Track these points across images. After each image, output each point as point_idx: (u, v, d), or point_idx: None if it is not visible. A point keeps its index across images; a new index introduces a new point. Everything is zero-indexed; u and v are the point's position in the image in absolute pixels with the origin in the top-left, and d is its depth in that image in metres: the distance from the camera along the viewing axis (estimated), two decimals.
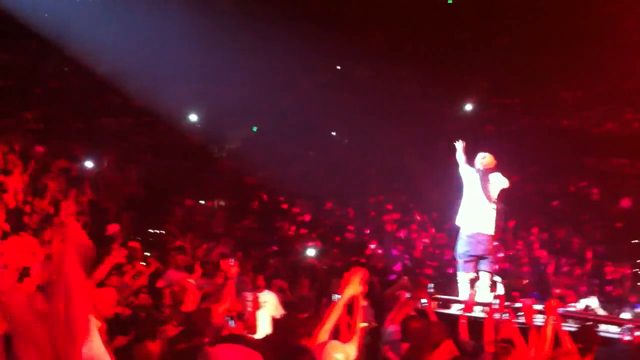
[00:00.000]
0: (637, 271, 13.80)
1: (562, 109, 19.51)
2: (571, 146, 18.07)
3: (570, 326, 6.48)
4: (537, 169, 17.14)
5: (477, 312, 7.52)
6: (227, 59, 18.56)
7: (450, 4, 19.58)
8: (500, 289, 8.13)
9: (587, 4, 17.47)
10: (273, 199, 16.28)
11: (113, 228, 10.73)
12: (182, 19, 16.51)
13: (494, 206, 8.06)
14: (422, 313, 7.02)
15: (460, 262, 8.22)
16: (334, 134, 20.30)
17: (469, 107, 20.01)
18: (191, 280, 7.35)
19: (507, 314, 6.09)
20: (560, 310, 7.47)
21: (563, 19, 18.00)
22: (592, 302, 9.50)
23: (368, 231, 14.77)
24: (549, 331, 5.15)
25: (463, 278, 8.18)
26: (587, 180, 16.90)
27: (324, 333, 4.01)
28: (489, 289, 8.00)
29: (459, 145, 8.38)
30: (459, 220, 8.25)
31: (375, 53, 19.73)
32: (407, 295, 7.56)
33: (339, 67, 20.08)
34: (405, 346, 5.07)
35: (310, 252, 11.90)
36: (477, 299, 7.90)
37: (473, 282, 8.23)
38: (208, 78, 18.50)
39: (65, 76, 17.77)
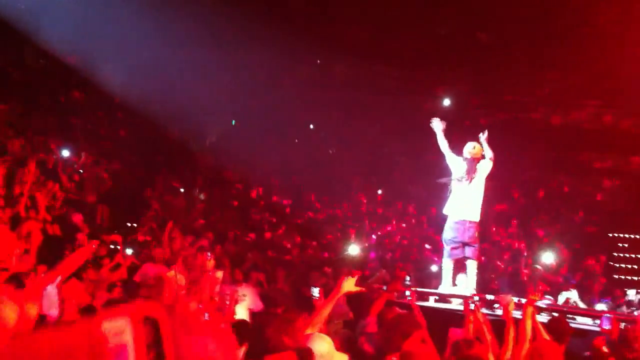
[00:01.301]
0: (612, 264, 14.02)
1: (536, 104, 19.72)
2: (547, 140, 18.27)
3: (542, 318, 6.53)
4: (515, 162, 17.27)
5: (456, 305, 7.60)
6: (207, 54, 18.51)
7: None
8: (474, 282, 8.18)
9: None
10: (251, 192, 16.25)
11: (77, 218, 10.65)
12: (162, 13, 16.42)
13: (481, 194, 8.17)
14: (405, 306, 7.06)
15: (447, 248, 8.31)
16: (312, 127, 20.27)
17: (447, 102, 20.10)
18: (170, 274, 7.30)
19: (483, 308, 6.10)
20: (542, 303, 7.58)
21: (541, 16, 18.19)
22: (572, 294, 9.61)
23: (349, 223, 14.83)
24: (529, 325, 5.17)
25: (448, 264, 8.26)
26: (562, 174, 17.10)
27: (314, 326, 4.04)
28: (473, 277, 8.08)
29: (438, 126, 8.40)
30: (446, 208, 8.33)
31: (356, 48, 19.77)
32: (384, 287, 7.62)
33: (318, 61, 20.07)
34: (378, 338, 5.10)
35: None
36: (459, 290, 7.98)
37: (458, 268, 8.31)
38: (186, 72, 18.43)
39: (41, 69, 17.59)
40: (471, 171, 8.06)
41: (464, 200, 8.12)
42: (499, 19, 18.91)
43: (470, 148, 8.14)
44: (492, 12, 18.88)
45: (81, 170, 13.42)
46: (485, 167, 8.15)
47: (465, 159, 8.12)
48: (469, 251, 8.10)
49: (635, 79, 15.97)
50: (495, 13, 18.92)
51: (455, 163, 8.24)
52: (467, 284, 7.99)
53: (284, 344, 3.88)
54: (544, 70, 19.39)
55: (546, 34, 18.51)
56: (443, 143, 8.36)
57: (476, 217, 8.17)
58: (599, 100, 18.84)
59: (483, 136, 8.31)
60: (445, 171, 8.57)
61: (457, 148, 8.38)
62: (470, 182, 8.06)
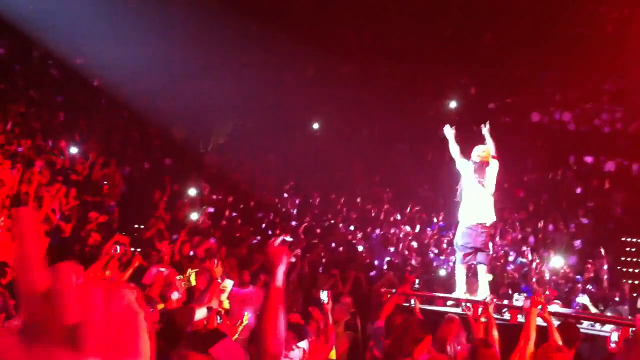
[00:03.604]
0: (621, 268, 13.99)
1: (543, 105, 19.72)
2: (554, 143, 18.25)
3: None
4: (520, 165, 17.26)
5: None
6: (212, 56, 18.58)
7: (436, 1, 19.73)
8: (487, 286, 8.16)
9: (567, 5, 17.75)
10: (258, 193, 16.28)
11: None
12: (168, 16, 16.48)
13: (492, 197, 8.13)
14: (407, 310, 7.06)
15: (459, 254, 8.28)
16: (316, 127, 20.24)
17: (453, 104, 20.09)
18: (179, 277, 7.32)
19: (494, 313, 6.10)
20: (558, 310, 7.57)
21: (545, 18, 18.22)
22: (584, 300, 9.56)
23: (353, 227, 14.81)
24: (533, 328, 5.19)
25: (461, 270, 8.24)
26: (569, 177, 17.07)
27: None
28: (485, 282, 8.05)
29: (449, 132, 8.40)
30: (460, 213, 8.31)
31: (362, 49, 19.80)
32: (393, 291, 7.61)
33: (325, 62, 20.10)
34: (388, 343, 5.09)
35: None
36: (473, 295, 7.96)
37: (471, 273, 8.28)
38: (194, 74, 18.48)
39: (49, 70, 17.68)
40: (481, 175, 8.03)
41: (476, 204, 8.07)
42: (503, 21, 18.93)
43: (479, 151, 8.09)
44: (496, 14, 18.92)
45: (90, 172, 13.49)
46: (494, 168, 8.11)
47: (475, 162, 8.07)
48: (480, 257, 8.06)
49: None
50: (499, 15, 18.96)
51: (465, 167, 8.20)
52: (480, 289, 7.95)
53: None
54: (552, 72, 19.38)
55: (551, 36, 18.53)
56: (455, 149, 8.32)
57: (488, 220, 8.13)
58: (609, 102, 18.81)
59: (485, 128, 8.28)
60: (452, 175, 8.54)
61: (464, 152, 8.34)
62: (482, 185, 8.03)
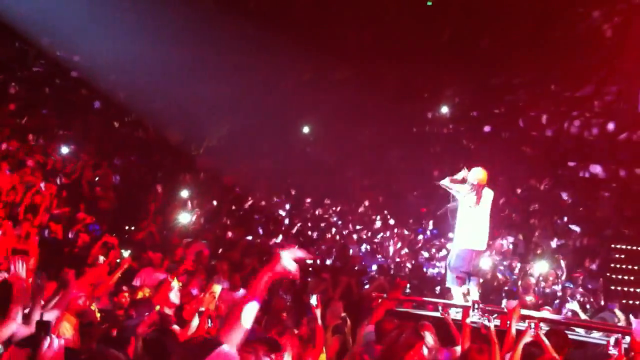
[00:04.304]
0: (610, 275, 14.05)
1: (534, 112, 19.84)
2: (543, 150, 18.36)
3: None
4: (510, 172, 17.29)
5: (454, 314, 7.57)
6: (207, 57, 18.55)
7: (430, 5, 19.80)
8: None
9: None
10: (249, 196, 16.24)
11: None
12: (162, 17, 16.45)
13: (487, 221, 8.04)
14: (399, 315, 7.06)
15: (451, 275, 8.23)
16: (306, 130, 20.19)
17: (445, 109, 20.14)
18: (171, 279, 7.29)
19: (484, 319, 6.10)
20: (549, 316, 7.59)
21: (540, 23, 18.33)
22: (574, 306, 9.59)
23: (345, 231, 14.82)
24: (513, 331, 5.22)
25: (455, 288, 8.19)
26: (559, 184, 17.16)
27: None
28: (476, 294, 8.02)
29: (446, 182, 8.22)
30: (455, 235, 8.24)
31: (356, 53, 19.82)
32: (384, 295, 7.61)
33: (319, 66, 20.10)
34: (379, 348, 5.08)
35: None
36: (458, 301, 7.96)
37: (463, 296, 8.21)
38: (187, 75, 18.45)
39: (42, 71, 17.62)
40: (478, 197, 7.93)
41: (472, 228, 7.98)
42: (499, 26, 19.01)
43: (477, 174, 8.00)
44: (492, 19, 19.00)
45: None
46: (490, 194, 8.03)
47: (472, 185, 7.96)
48: (473, 281, 8.00)
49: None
50: (495, 20, 19.03)
51: (463, 191, 8.07)
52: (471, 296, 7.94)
53: None
54: (546, 77, 19.48)
55: (546, 40, 18.64)
56: (451, 185, 8.25)
57: (483, 246, 8.08)
58: (598, 109, 18.94)
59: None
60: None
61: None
62: (478, 208, 7.93)
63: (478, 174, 7.92)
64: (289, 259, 2.73)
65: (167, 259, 9.83)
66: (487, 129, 19.66)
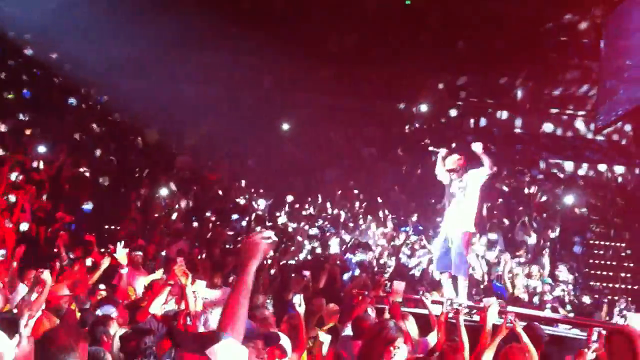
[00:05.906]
0: (589, 271, 14.27)
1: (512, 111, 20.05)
2: (523, 148, 18.56)
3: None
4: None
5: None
6: (186, 56, 18.50)
7: (408, 4, 19.91)
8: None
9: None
10: (230, 194, 16.20)
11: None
12: (141, 16, 16.35)
13: (474, 204, 8.17)
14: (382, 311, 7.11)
15: (437, 260, 8.33)
16: (285, 128, 20.13)
17: (424, 107, 20.23)
18: (155, 278, 7.29)
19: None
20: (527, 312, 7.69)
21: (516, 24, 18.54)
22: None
23: (327, 226, 14.86)
24: (488, 327, 5.27)
25: (444, 277, 8.29)
26: (537, 182, 17.32)
27: None
28: (463, 290, 8.09)
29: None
30: (443, 220, 8.40)
31: (336, 53, 19.87)
32: (365, 292, 7.64)
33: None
34: (356, 344, 5.09)
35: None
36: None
37: (449, 279, 8.30)
38: (166, 73, 18.39)
39: (18, 67, 17.42)
40: (459, 181, 8.10)
41: (456, 211, 8.11)
42: (476, 26, 19.15)
43: (451, 160, 8.19)
44: (469, 19, 19.15)
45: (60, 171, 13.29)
46: (476, 177, 8.11)
47: (451, 170, 8.16)
48: (459, 267, 8.07)
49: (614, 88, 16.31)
50: (472, 21, 19.17)
51: (444, 178, 8.28)
52: (458, 296, 8.01)
53: None
54: (523, 77, 19.70)
55: (523, 41, 18.83)
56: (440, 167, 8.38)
57: (470, 227, 8.14)
58: (576, 108, 19.18)
59: (477, 146, 8.15)
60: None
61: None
62: (457, 193, 8.10)
63: (453, 158, 8.11)
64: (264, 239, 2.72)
65: (148, 258, 9.78)
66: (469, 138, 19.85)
